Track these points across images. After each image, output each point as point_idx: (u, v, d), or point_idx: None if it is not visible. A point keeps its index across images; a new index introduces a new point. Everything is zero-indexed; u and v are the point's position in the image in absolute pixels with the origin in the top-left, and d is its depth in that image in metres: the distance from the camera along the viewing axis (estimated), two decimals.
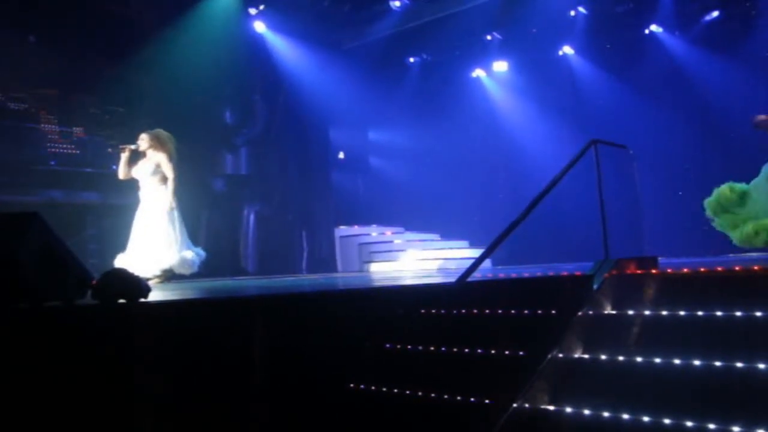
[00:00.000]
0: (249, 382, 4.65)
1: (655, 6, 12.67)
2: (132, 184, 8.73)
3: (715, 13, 12.48)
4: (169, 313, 4.68)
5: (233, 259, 12.97)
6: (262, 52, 13.54)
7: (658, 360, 4.13)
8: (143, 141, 8.62)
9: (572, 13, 13.22)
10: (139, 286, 4.56)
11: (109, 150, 11.72)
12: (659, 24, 13.08)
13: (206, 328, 4.59)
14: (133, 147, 8.60)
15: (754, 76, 11.64)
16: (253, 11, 13.24)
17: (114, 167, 9.34)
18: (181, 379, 4.32)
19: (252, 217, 13.43)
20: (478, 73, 15.29)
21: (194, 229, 12.05)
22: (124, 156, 8.61)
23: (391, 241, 14.23)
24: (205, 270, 10.33)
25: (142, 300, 4.53)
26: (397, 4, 13.18)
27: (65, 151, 11.79)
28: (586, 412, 3.96)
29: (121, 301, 4.40)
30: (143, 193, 8.57)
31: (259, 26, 13.45)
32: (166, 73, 11.54)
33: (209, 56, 11.90)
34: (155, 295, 4.94)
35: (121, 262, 8.05)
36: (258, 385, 4.67)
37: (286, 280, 10.18)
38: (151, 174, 8.51)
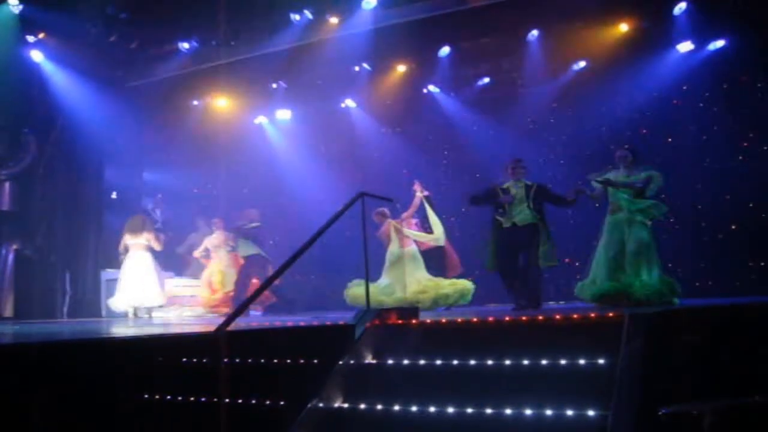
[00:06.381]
0: None
1: (434, 68, 13.35)
2: None
3: (486, 80, 13.43)
4: None
5: None
6: (38, 82, 12.62)
7: (414, 408, 4.20)
8: None
9: (356, 68, 13.58)
10: None
11: None
12: (437, 84, 13.77)
13: None
14: None
15: (517, 138, 12.53)
16: (31, 38, 12.31)
17: None
18: None
19: (10, 256, 12.41)
20: (261, 119, 15.25)
21: None
22: None
23: None
24: None
25: None
26: (186, 46, 12.91)
27: None
28: None
29: None
30: None
31: (37, 55, 12.52)
32: None
33: None
34: None
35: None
36: None
37: (43, 325, 9.43)
38: None
